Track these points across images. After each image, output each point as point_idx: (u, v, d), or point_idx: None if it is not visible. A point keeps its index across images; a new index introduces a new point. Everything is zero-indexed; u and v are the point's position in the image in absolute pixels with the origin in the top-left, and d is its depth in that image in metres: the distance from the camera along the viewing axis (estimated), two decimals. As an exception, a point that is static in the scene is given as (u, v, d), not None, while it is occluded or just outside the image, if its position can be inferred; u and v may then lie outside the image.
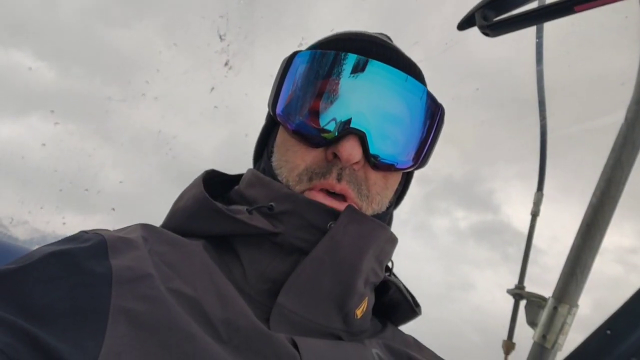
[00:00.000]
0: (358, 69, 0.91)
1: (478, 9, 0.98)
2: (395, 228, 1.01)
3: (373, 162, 0.91)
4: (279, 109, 0.96)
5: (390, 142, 0.93)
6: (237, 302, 0.78)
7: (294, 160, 0.93)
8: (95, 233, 0.80)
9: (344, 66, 0.91)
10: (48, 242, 0.82)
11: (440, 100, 1.00)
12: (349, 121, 0.89)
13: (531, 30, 1.78)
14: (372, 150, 0.90)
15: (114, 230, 0.87)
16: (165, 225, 0.97)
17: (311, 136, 0.92)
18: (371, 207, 0.94)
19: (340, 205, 0.89)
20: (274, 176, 0.95)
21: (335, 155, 0.89)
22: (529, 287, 1.98)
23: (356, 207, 0.91)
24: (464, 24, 1.03)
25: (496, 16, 0.97)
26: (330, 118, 0.90)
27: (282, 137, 0.99)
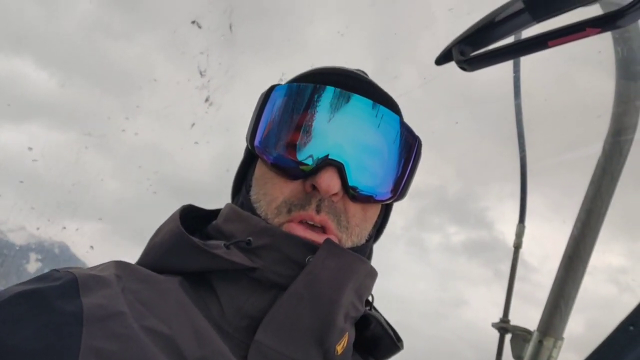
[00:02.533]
0: (335, 101, 0.92)
1: (455, 44, 1.00)
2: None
3: (352, 193, 0.92)
4: (257, 142, 0.96)
5: (368, 174, 0.94)
6: (213, 340, 0.76)
7: (272, 193, 0.93)
8: (67, 271, 0.78)
9: (321, 98, 0.92)
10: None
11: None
12: (327, 153, 0.89)
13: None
14: (350, 182, 0.90)
15: (87, 268, 0.85)
16: (141, 261, 0.95)
17: (289, 168, 0.92)
18: (350, 240, 0.94)
19: (319, 238, 0.88)
20: (252, 209, 0.94)
21: (314, 187, 0.89)
22: (522, 305, 1.96)
23: (336, 238, 0.91)
24: (442, 59, 1.04)
25: (473, 51, 0.98)
26: (308, 150, 0.90)
27: (260, 170, 0.98)
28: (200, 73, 2.50)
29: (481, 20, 0.96)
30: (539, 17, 0.89)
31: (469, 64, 0.99)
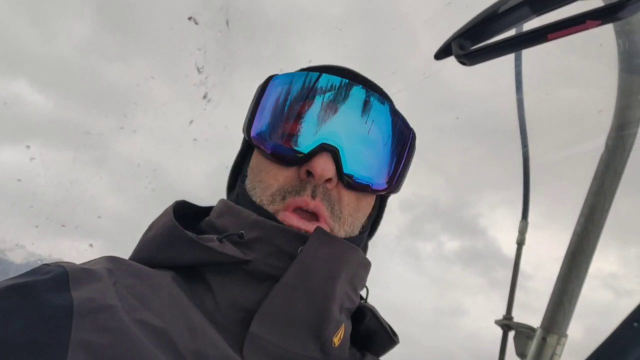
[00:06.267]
0: (329, 88, 0.93)
1: (454, 38, 0.99)
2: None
3: (347, 181, 0.92)
4: (253, 132, 0.97)
5: (364, 162, 0.94)
6: (207, 332, 0.76)
7: (267, 180, 0.93)
8: (57, 265, 0.78)
9: (317, 86, 0.93)
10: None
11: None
12: (321, 138, 0.90)
13: (510, 61, 1.80)
14: (345, 168, 0.91)
15: (79, 263, 0.85)
16: (134, 257, 0.95)
17: (285, 155, 0.92)
18: (343, 229, 0.94)
19: (312, 227, 0.88)
20: (248, 198, 0.94)
21: (309, 174, 0.90)
22: (517, 312, 1.95)
23: (328, 227, 0.91)
24: (441, 54, 1.03)
25: (472, 45, 0.97)
26: (303, 136, 0.91)
27: (256, 159, 0.99)
28: (198, 70, 2.49)
29: (480, 14, 0.95)
30: (539, 10, 0.88)
31: (469, 58, 0.98)
